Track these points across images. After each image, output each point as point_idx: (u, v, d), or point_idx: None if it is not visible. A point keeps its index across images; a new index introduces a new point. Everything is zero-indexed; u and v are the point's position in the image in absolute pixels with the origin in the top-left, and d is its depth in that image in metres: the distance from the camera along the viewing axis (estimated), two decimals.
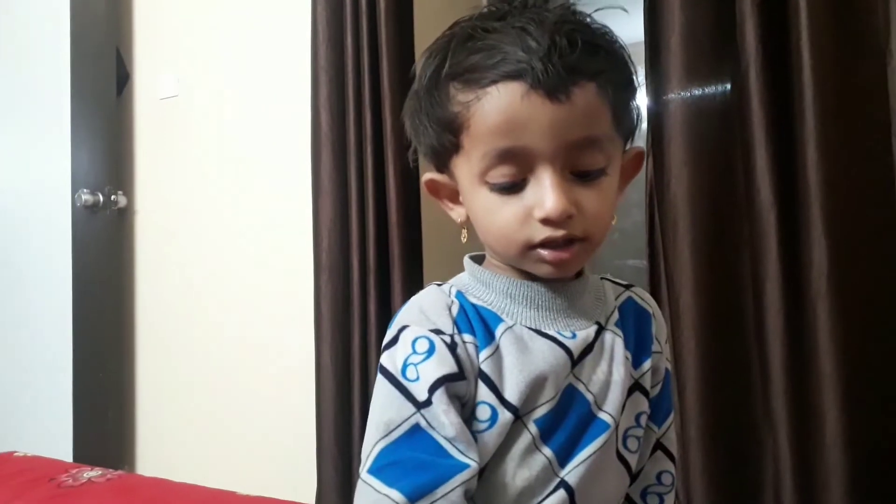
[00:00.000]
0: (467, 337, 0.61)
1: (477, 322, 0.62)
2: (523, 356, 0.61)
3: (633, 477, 0.69)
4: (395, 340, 0.61)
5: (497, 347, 0.61)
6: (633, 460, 0.67)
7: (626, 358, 0.67)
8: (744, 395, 1.24)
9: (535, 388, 0.60)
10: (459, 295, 0.65)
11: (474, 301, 0.64)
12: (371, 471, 0.57)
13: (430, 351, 0.59)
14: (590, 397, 0.63)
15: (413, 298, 0.66)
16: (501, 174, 0.59)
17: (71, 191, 2.11)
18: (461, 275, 0.69)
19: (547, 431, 0.61)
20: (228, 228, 2.11)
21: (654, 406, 0.71)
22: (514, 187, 0.59)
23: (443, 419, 0.57)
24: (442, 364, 0.59)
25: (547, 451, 0.61)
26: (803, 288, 1.14)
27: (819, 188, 1.12)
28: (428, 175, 0.68)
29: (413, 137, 0.68)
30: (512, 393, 0.60)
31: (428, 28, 1.72)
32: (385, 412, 0.59)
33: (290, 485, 1.80)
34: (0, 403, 2.28)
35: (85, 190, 2.14)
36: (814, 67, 1.13)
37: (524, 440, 0.60)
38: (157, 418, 2.27)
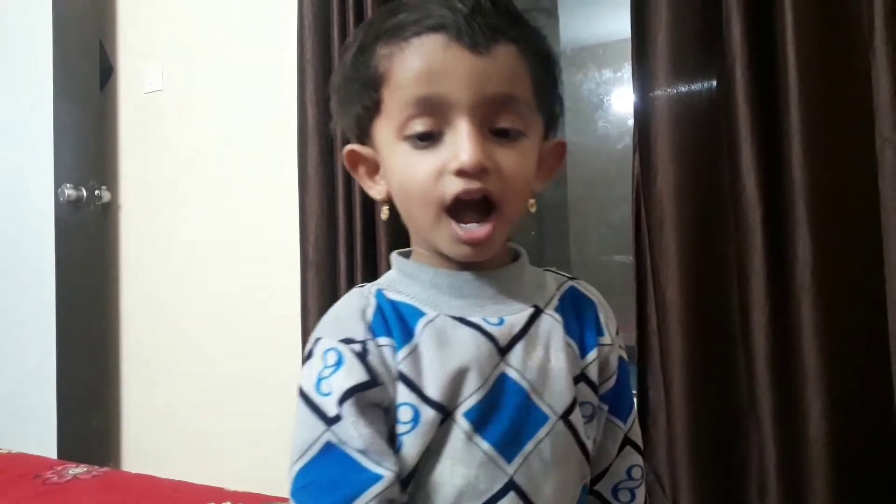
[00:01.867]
0: (383, 340, 0.60)
1: (394, 321, 0.61)
2: (443, 349, 0.60)
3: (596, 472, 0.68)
4: (310, 354, 0.61)
5: (416, 345, 0.60)
6: (589, 446, 0.65)
7: (568, 345, 0.64)
8: (729, 388, 1.25)
9: (457, 380, 0.59)
10: (379, 294, 0.63)
11: (395, 298, 0.63)
12: (292, 493, 0.58)
13: (339, 363, 0.58)
14: (525, 385, 0.61)
15: (333, 306, 0.64)
16: (419, 124, 0.59)
17: (54, 185, 2.09)
18: (389, 272, 0.68)
19: (480, 423, 0.59)
20: (214, 223, 2.09)
21: (616, 400, 0.69)
22: (430, 139, 0.59)
23: (352, 432, 0.56)
24: (350, 375, 0.58)
25: (484, 444, 0.58)
26: (788, 283, 1.16)
27: (804, 184, 1.13)
28: (349, 146, 0.67)
29: (337, 112, 0.67)
30: (433, 389, 0.58)
31: None
32: (299, 433, 0.58)
33: (276, 481, 1.79)
34: None
35: (68, 185, 2.11)
36: (799, 65, 1.14)
37: (456, 436, 0.58)
38: (143, 415, 2.26)
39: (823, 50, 1.15)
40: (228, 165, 2.06)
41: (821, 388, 1.11)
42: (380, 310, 0.61)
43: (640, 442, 0.72)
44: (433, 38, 0.58)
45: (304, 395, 0.59)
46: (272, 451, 1.95)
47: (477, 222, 0.59)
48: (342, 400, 0.57)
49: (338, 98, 0.67)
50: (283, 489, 0.62)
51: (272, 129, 1.93)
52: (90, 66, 2.20)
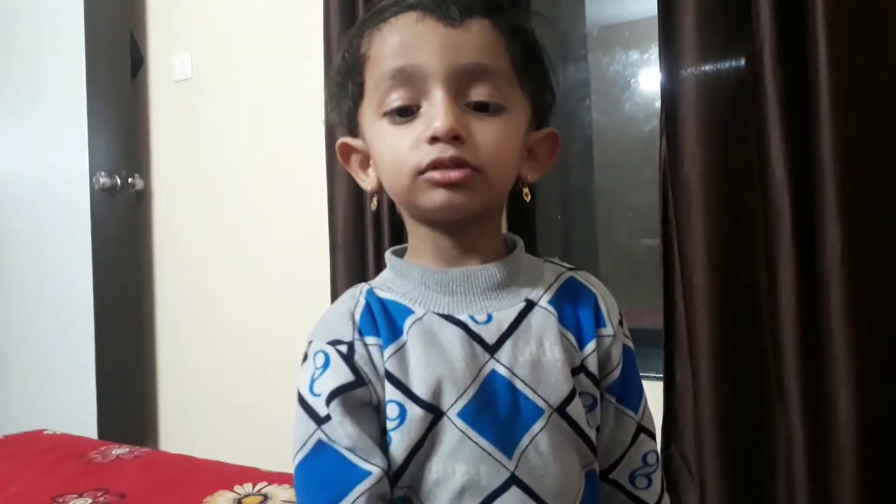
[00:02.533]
0: (370, 339, 0.61)
1: (382, 320, 0.62)
2: (429, 349, 0.61)
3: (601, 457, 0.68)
4: (305, 357, 0.63)
5: (403, 343, 0.61)
6: (592, 435, 0.65)
7: (564, 337, 0.64)
8: (757, 374, 1.25)
9: (444, 380, 0.60)
10: (370, 293, 0.64)
11: (385, 296, 0.64)
12: (295, 487, 0.62)
13: (326, 364, 0.61)
14: (516, 381, 0.61)
15: (328, 308, 0.67)
16: (396, 98, 0.60)
17: (88, 174, 2.14)
18: (385, 270, 0.69)
19: (475, 422, 0.59)
20: (245, 209, 2.13)
21: (624, 390, 0.68)
22: (408, 112, 0.60)
23: (339, 431, 0.58)
24: (336, 375, 0.60)
25: (483, 441, 0.59)
26: (817, 268, 1.15)
27: (833, 168, 1.12)
28: (342, 139, 0.68)
29: (329, 107, 0.69)
30: (420, 388, 0.60)
31: None
32: (296, 431, 0.61)
33: None
34: (26, 383, 2.34)
35: (102, 173, 2.17)
36: (828, 46, 1.12)
37: (454, 434, 0.59)
38: (179, 396, 2.32)
39: (853, 31, 1.13)
40: (258, 152, 2.09)
41: (849, 374, 1.11)
42: (368, 309, 0.63)
43: (653, 428, 0.72)
44: (408, 14, 0.60)
45: (300, 396, 0.62)
46: None
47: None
48: (329, 400, 0.59)
49: (330, 94, 0.69)
50: None
51: (300, 115, 1.95)
52: (121, 56, 2.25)
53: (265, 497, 1.13)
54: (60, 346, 2.23)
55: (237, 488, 1.16)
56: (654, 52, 1.46)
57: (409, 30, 0.60)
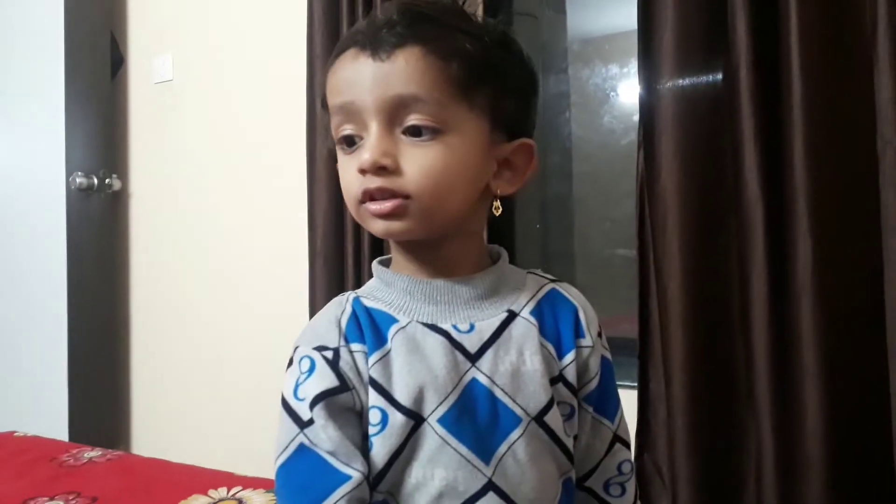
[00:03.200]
0: (356, 346, 0.63)
1: (368, 327, 0.64)
2: (413, 356, 0.63)
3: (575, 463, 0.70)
4: (290, 362, 0.65)
5: (388, 351, 0.63)
6: (569, 444, 0.67)
7: (544, 347, 0.66)
8: (729, 383, 1.27)
9: (426, 387, 0.62)
10: (356, 301, 0.67)
11: (370, 304, 0.66)
12: (276, 490, 0.63)
13: (311, 369, 0.62)
14: (496, 390, 0.63)
15: (315, 314, 0.69)
16: (344, 129, 0.63)
17: (65, 173, 2.12)
18: (371, 279, 0.71)
19: (454, 428, 0.61)
20: (223, 212, 2.12)
21: (601, 400, 0.70)
22: (352, 143, 0.63)
23: (322, 435, 0.60)
24: (321, 380, 0.61)
25: (462, 448, 0.61)
26: (788, 281, 1.18)
27: (805, 184, 1.15)
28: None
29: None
30: (402, 395, 0.61)
31: None
32: (279, 434, 0.63)
33: None
34: None
35: (79, 173, 2.15)
36: (802, 65, 1.15)
37: (433, 440, 0.61)
38: (152, 400, 2.30)
39: (827, 50, 1.16)
40: (237, 155, 2.09)
41: (818, 385, 1.13)
42: (354, 316, 0.65)
43: (628, 438, 0.74)
44: (349, 52, 0.63)
45: (283, 401, 0.63)
46: None
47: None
48: (313, 404, 0.61)
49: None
50: None
51: (281, 119, 1.96)
52: (101, 56, 2.23)
53: (240, 501, 1.13)
54: (33, 347, 2.20)
55: (212, 492, 1.16)
56: (633, 66, 1.48)
57: (347, 67, 0.63)
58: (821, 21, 1.16)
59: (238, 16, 2.09)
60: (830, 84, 1.16)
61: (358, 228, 1.69)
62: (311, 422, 0.60)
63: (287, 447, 0.61)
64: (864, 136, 1.11)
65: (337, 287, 1.73)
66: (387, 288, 0.68)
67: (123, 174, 2.32)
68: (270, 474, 0.64)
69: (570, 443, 0.67)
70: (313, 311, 1.75)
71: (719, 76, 1.31)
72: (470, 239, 0.69)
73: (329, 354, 0.62)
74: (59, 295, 2.11)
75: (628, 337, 1.42)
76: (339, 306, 0.67)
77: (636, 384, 1.39)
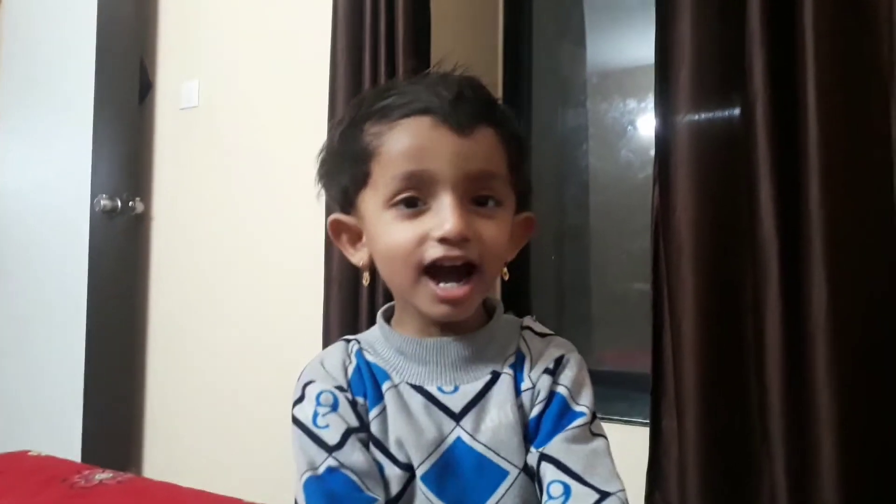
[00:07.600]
0: (359, 399, 0.67)
1: (369, 382, 0.68)
2: (401, 415, 0.66)
3: None
4: (302, 397, 0.68)
5: (384, 407, 0.67)
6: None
7: (517, 396, 0.68)
8: (742, 421, 1.25)
9: (412, 446, 0.65)
10: (359, 354, 0.70)
11: (370, 359, 0.70)
12: (305, 501, 0.65)
13: (335, 405, 0.66)
14: (479, 447, 0.65)
15: (318, 355, 0.71)
16: (406, 194, 0.64)
17: (90, 195, 2.16)
18: (374, 327, 0.74)
19: (436, 486, 0.65)
20: (242, 237, 2.15)
21: (541, 424, 0.68)
22: (415, 208, 0.64)
23: (353, 459, 0.64)
24: (348, 417, 0.66)
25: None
26: (803, 320, 1.16)
27: (821, 221, 1.14)
28: (334, 215, 0.72)
29: (324, 182, 0.74)
30: (395, 450, 0.65)
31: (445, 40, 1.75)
32: (306, 454, 0.65)
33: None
34: (14, 402, 2.33)
35: (104, 195, 2.19)
36: (819, 101, 1.15)
37: (420, 495, 0.65)
38: (166, 422, 2.31)
39: (844, 85, 1.16)
40: (258, 182, 2.11)
41: (832, 425, 1.11)
42: (358, 370, 0.69)
43: (571, 464, 0.69)
44: (421, 119, 0.64)
45: (303, 427, 0.66)
46: (293, 464, 1.98)
47: (456, 282, 0.64)
48: (345, 436, 0.64)
49: (325, 170, 0.73)
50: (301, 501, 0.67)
51: (302, 148, 1.97)
52: (130, 81, 2.29)
53: None
54: (51, 367, 2.22)
55: None
56: (650, 101, 1.49)
57: (424, 136, 0.64)
58: (838, 56, 1.16)
59: (264, 44, 2.13)
60: (847, 120, 1.16)
61: None
62: (338, 446, 0.64)
63: (317, 467, 0.64)
64: (881, 171, 1.10)
65: (352, 313, 1.74)
66: (385, 342, 0.71)
67: (147, 197, 2.36)
68: (280, 502, 0.65)
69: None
70: (327, 336, 1.75)
71: (736, 111, 1.30)
72: None
73: (350, 396, 0.67)
74: (78, 315, 2.14)
75: (642, 373, 1.41)
76: (346, 355, 0.70)
77: (648, 421, 1.37)
